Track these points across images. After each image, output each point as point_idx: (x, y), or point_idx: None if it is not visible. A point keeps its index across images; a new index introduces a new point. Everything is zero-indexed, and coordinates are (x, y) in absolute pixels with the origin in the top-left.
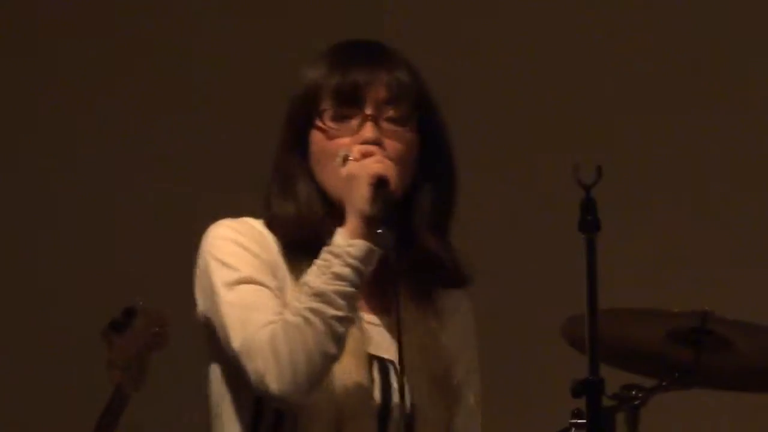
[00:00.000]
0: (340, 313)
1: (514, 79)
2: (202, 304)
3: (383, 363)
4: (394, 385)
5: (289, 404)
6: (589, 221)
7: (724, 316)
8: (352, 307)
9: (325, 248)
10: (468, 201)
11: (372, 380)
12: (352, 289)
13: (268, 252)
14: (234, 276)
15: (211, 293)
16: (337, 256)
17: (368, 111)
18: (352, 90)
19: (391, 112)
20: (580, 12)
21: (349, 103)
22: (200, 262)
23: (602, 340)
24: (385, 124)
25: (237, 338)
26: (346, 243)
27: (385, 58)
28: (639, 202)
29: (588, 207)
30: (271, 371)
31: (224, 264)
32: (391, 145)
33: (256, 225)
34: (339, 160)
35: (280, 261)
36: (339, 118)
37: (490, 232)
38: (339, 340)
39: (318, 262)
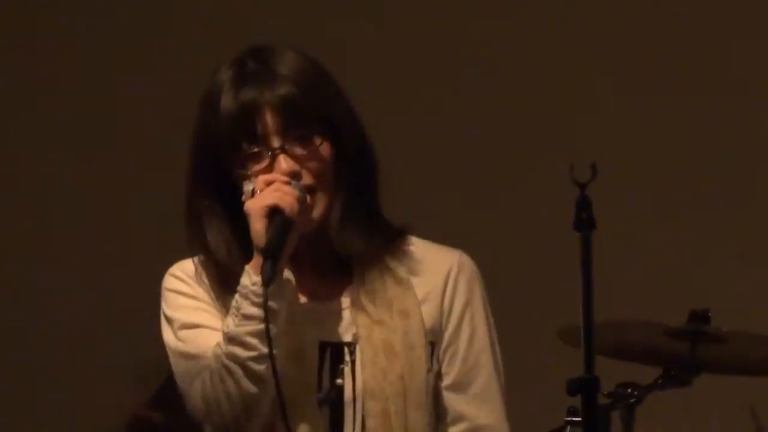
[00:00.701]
0: (253, 353)
1: (509, 77)
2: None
3: (336, 348)
4: (347, 368)
5: None
6: (585, 219)
7: (720, 328)
8: (270, 342)
9: (237, 290)
10: (463, 199)
11: (321, 367)
12: (262, 326)
13: (204, 289)
14: (174, 327)
15: (167, 347)
16: (244, 297)
17: (275, 144)
18: (247, 129)
19: (292, 134)
20: (576, 9)
21: (250, 142)
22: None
23: (597, 340)
24: (295, 149)
25: (184, 393)
26: (250, 281)
27: (269, 75)
28: (635, 200)
29: (583, 205)
30: (206, 421)
31: (166, 317)
32: (310, 167)
33: (196, 263)
34: (246, 196)
35: (212, 290)
36: (248, 158)
37: (485, 230)
38: (258, 379)
39: (232, 303)
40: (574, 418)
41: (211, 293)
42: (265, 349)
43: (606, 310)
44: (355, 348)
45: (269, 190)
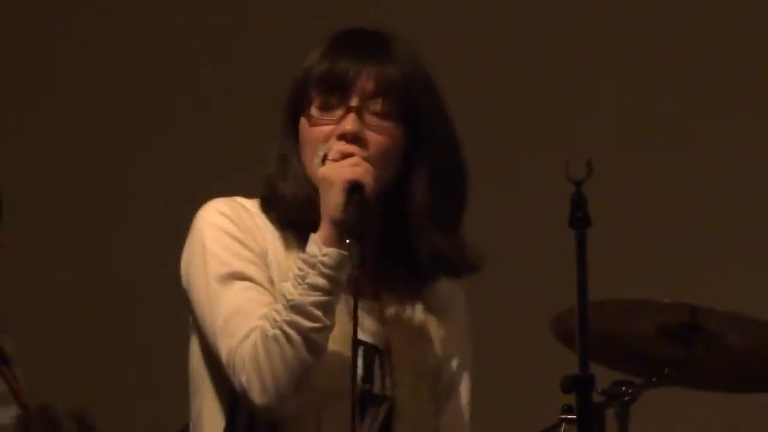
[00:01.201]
0: (317, 325)
1: (505, 75)
2: (188, 282)
3: (368, 348)
4: (377, 371)
5: (274, 414)
6: (580, 217)
7: (714, 308)
8: (330, 315)
9: (299, 256)
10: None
11: (355, 365)
12: (328, 298)
13: (259, 237)
14: (225, 270)
15: (204, 285)
16: (311, 266)
17: (353, 102)
18: (337, 80)
19: (377, 106)
20: (571, 8)
21: (334, 93)
22: (193, 244)
23: (592, 336)
24: (369, 117)
25: (223, 348)
26: (320, 252)
27: (379, 50)
28: (629, 197)
29: (578, 203)
30: (254, 386)
31: (215, 256)
32: (373, 138)
33: (249, 206)
34: (318, 159)
35: (272, 244)
36: (324, 107)
37: (480, 228)
38: (317, 350)
39: (294, 271)
40: (568, 416)
41: (270, 240)
42: (327, 321)
43: (599, 302)
44: (384, 354)
45: (349, 163)
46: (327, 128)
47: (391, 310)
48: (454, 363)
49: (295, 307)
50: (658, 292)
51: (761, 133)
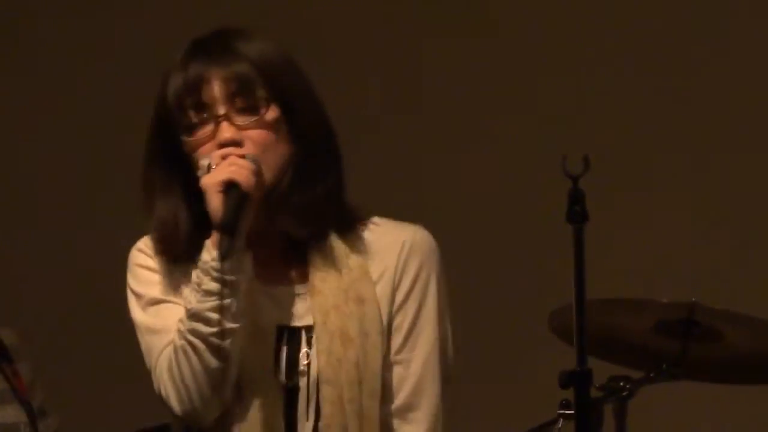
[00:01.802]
0: (216, 329)
1: (503, 69)
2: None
3: (293, 331)
4: (303, 353)
5: (195, 423)
6: (577, 212)
7: (711, 306)
8: (232, 317)
9: (197, 265)
10: (455, 191)
11: (278, 350)
12: (225, 301)
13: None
14: (140, 303)
15: (133, 321)
16: (205, 272)
17: (219, 111)
18: (192, 96)
19: (239, 104)
20: (570, 2)
21: (194, 110)
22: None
23: (590, 332)
24: (238, 118)
25: (150, 368)
26: (210, 257)
27: (220, 51)
28: (627, 192)
29: (576, 198)
30: (171, 397)
31: (133, 292)
32: (252, 135)
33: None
34: (202, 171)
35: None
36: (194, 126)
37: (477, 223)
38: (222, 354)
39: (192, 279)
40: (566, 411)
41: (168, 265)
42: (227, 324)
43: (596, 300)
44: (311, 333)
45: (224, 165)
46: (207, 146)
47: (316, 287)
48: (394, 296)
49: (194, 315)
50: (655, 287)
51: (759, 129)
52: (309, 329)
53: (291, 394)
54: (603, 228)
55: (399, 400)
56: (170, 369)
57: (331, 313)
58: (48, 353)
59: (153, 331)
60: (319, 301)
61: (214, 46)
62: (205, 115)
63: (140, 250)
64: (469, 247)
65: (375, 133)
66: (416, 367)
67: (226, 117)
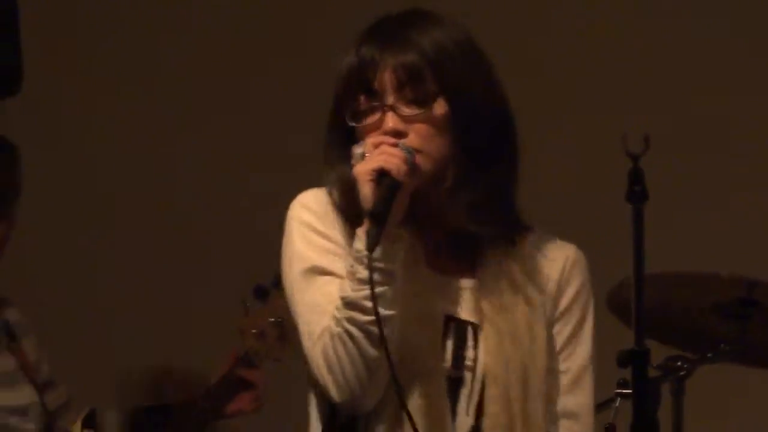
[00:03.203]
0: (372, 317)
1: (563, 48)
2: (284, 281)
3: (460, 325)
4: (469, 347)
5: (354, 410)
6: (637, 191)
7: None
8: (389, 304)
9: (349, 253)
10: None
11: (444, 342)
12: (382, 289)
13: (335, 227)
14: (305, 266)
15: (289, 283)
16: (359, 261)
17: (387, 101)
18: (362, 83)
19: (408, 95)
20: None
21: (364, 96)
22: (284, 243)
23: (648, 310)
24: (404, 109)
25: (305, 348)
26: (362, 246)
27: (396, 37)
28: (687, 171)
29: (636, 177)
30: (329, 385)
31: (297, 252)
32: (417, 128)
33: (329, 196)
34: (355, 159)
35: (344, 228)
36: (362, 113)
37: (537, 202)
38: (378, 343)
39: (347, 268)
40: (624, 390)
41: (341, 231)
42: (384, 312)
43: (655, 275)
44: (478, 329)
45: (376, 153)
46: (374, 134)
47: (486, 284)
48: (555, 309)
49: (349, 304)
50: (715, 268)
51: None
52: (475, 325)
53: (454, 385)
54: (663, 207)
55: (555, 406)
56: (326, 357)
57: (501, 312)
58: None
59: (314, 308)
60: (490, 299)
61: (389, 31)
62: (374, 103)
63: (308, 209)
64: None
65: None
66: (571, 378)
67: (393, 107)
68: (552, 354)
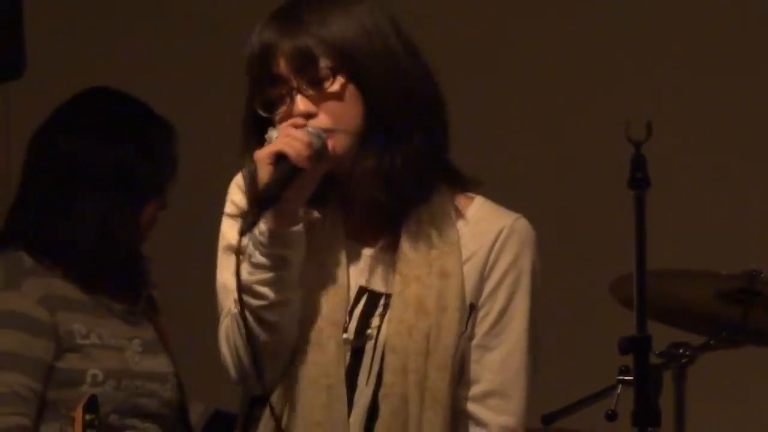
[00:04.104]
0: (262, 302)
1: (566, 34)
2: None
3: (372, 295)
4: (376, 317)
5: (249, 389)
6: (639, 178)
7: None
8: (280, 290)
9: (250, 237)
10: (517, 157)
11: (352, 312)
12: (273, 274)
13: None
14: (223, 243)
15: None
16: (255, 245)
17: (291, 84)
18: (264, 72)
19: (307, 76)
20: None
21: (271, 85)
22: None
23: (650, 300)
24: (309, 90)
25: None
26: (258, 231)
27: (291, 22)
28: (689, 158)
29: (638, 163)
30: (227, 363)
31: (221, 231)
32: (325, 107)
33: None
34: (268, 143)
35: None
36: (272, 104)
37: (539, 189)
38: (271, 328)
39: (247, 251)
40: (626, 377)
41: None
42: (273, 297)
43: (657, 271)
44: (389, 300)
45: (279, 137)
46: (288, 119)
47: (404, 255)
48: (484, 281)
49: (243, 287)
50: (717, 254)
51: None
52: (389, 297)
53: (357, 356)
54: (665, 194)
55: (481, 385)
56: (226, 336)
57: (412, 282)
58: None
59: (225, 287)
60: (403, 270)
61: (285, 15)
62: (282, 91)
63: (236, 183)
64: (531, 213)
65: None
66: (502, 355)
67: (298, 90)
68: (464, 325)
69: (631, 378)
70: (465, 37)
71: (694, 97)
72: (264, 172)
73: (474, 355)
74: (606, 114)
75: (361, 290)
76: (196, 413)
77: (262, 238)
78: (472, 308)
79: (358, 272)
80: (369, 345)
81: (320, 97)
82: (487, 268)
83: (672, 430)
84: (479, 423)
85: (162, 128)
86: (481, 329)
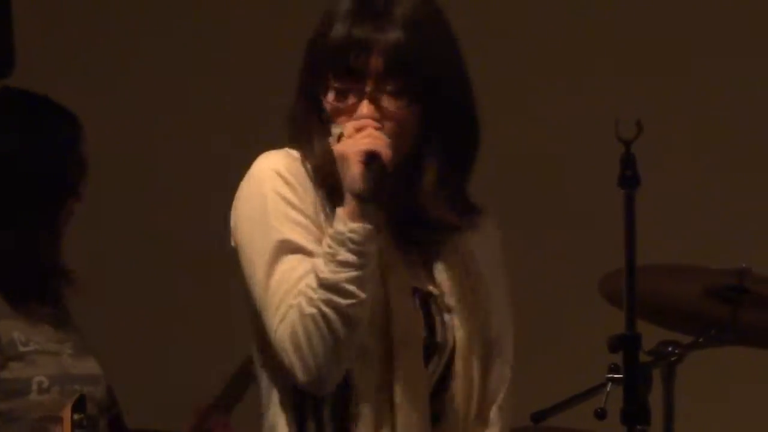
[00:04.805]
0: (352, 301)
1: (554, 32)
2: (240, 244)
3: (424, 295)
4: (436, 316)
5: (319, 390)
6: (629, 176)
7: (762, 274)
8: (365, 288)
9: (328, 233)
10: (508, 155)
11: (417, 312)
12: (360, 272)
13: (312, 195)
14: (275, 238)
15: (253, 251)
16: (340, 243)
17: (366, 88)
18: (348, 66)
19: (390, 86)
20: None
21: (347, 79)
22: (248, 206)
23: (639, 296)
24: (383, 99)
25: (268, 325)
26: (346, 228)
27: (388, 23)
28: (679, 157)
29: (628, 162)
30: (296, 366)
31: (266, 224)
32: (388, 124)
33: (298, 159)
34: (333, 138)
35: (317, 198)
36: (339, 94)
37: (529, 187)
38: (355, 324)
39: (324, 249)
40: (615, 375)
41: (313, 202)
42: (363, 295)
43: (646, 267)
44: (442, 300)
45: (363, 135)
46: (344, 118)
47: (444, 259)
48: (495, 296)
49: (328, 286)
50: (706, 252)
51: None
52: (436, 297)
53: (427, 354)
54: (655, 193)
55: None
56: (295, 338)
57: (457, 285)
58: None
59: (281, 286)
60: (447, 273)
61: (381, 12)
62: (352, 85)
63: (281, 176)
64: (521, 210)
65: None
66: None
67: (371, 96)
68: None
69: (621, 376)
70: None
71: (684, 96)
72: (356, 169)
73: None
74: (596, 112)
75: (413, 290)
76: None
77: (353, 236)
78: None
79: (404, 272)
80: (440, 345)
81: (386, 109)
82: (497, 270)
83: (661, 428)
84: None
85: (70, 125)
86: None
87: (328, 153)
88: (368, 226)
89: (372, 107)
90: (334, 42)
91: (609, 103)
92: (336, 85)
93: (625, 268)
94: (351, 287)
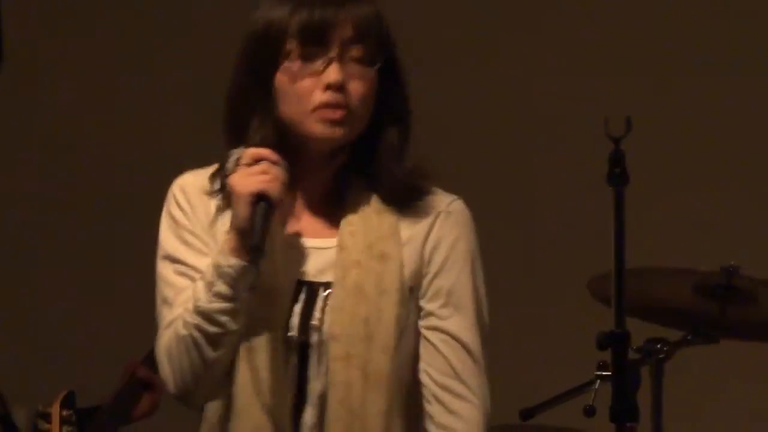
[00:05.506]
0: (220, 330)
1: (544, 31)
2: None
3: (310, 287)
4: (317, 309)
5: (189, 404)
6: (618, 174)
7: (750, 275)
8: (235, 319)
9: (212, 260)
10: (496, 153)
11: (292, 308)
12: (232, 305)
13: (204, 213)
14: (163, 252)
15: (156, 263)
16: (219, 275)
17: (333, 52)
18: (318, 29)
19: (355, 52)
20: None
21: (314, 43)
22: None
23: (628, 296)
24: (350, 65)
25: (157, 335)
26: (226, 262)
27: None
28: (668, 155)
29: (617, 160)
30: (167, 379)
31: (160, 236)
32: (354, 86)
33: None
34: (230, 162)
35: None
36: (304, 58)
37: (517, 185)
38: (222, 347)
39: (206, 277)
40: (604, 372)
41: (205, 212)
42: (234, 327)
43: (635, 269)
44: (330, 289)
45: (257, 170)
46: (309, 81)
47: (344, 242)
48: (424, 264)
49: (202, 313)
50: (695, 250)
51: None
52: (327, 286)
53: (303, 351)
54: (644, 190)
55: (435, 366)
56: (169, 354)
57: (351, 269)
58: None
59: (166, 299)
60: (342, 257)
61: None
62: (317, 50)
63: (174, 196)
64: (509, 208)
65: (414, 90)
66: (454, 334)
67: (339, 59)
68: (407, 307)
69: (609, 373)
70: (443, 35)
71: (674, 94)
72: (244, 209)
73: (427, 337)
74: (585, 110)
75: (299, 284)
76: (23, 417)
77: (230, 270)
78: (411, 291)
79: (293, 266)
80: (314, 339)
81: (354, 73)
82: (427, 251)
83: (649, 426)
84: (445, 407)
85: None
86: (433, 305)
87: (267, 139)
88: (244, 264)
89: (340, 71)
90: (301, 17)
91: (598, 101)
92: (301, 51)
93: (614, 265)
94: (223, 318)
